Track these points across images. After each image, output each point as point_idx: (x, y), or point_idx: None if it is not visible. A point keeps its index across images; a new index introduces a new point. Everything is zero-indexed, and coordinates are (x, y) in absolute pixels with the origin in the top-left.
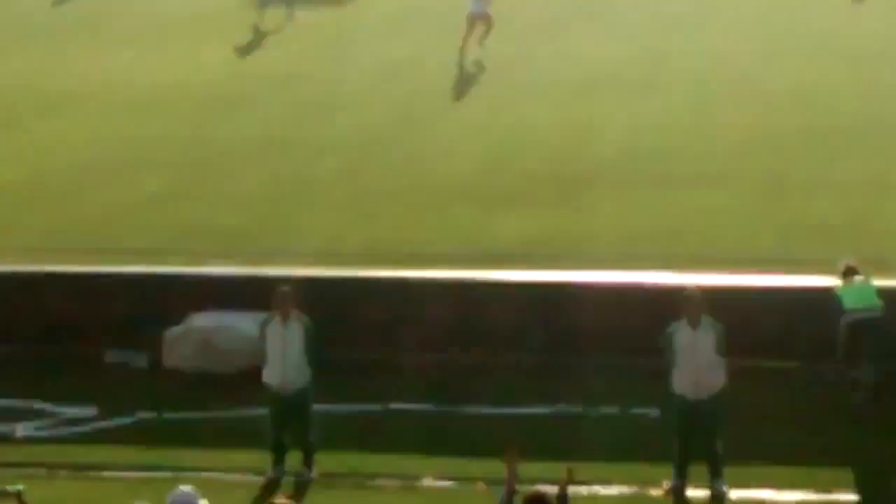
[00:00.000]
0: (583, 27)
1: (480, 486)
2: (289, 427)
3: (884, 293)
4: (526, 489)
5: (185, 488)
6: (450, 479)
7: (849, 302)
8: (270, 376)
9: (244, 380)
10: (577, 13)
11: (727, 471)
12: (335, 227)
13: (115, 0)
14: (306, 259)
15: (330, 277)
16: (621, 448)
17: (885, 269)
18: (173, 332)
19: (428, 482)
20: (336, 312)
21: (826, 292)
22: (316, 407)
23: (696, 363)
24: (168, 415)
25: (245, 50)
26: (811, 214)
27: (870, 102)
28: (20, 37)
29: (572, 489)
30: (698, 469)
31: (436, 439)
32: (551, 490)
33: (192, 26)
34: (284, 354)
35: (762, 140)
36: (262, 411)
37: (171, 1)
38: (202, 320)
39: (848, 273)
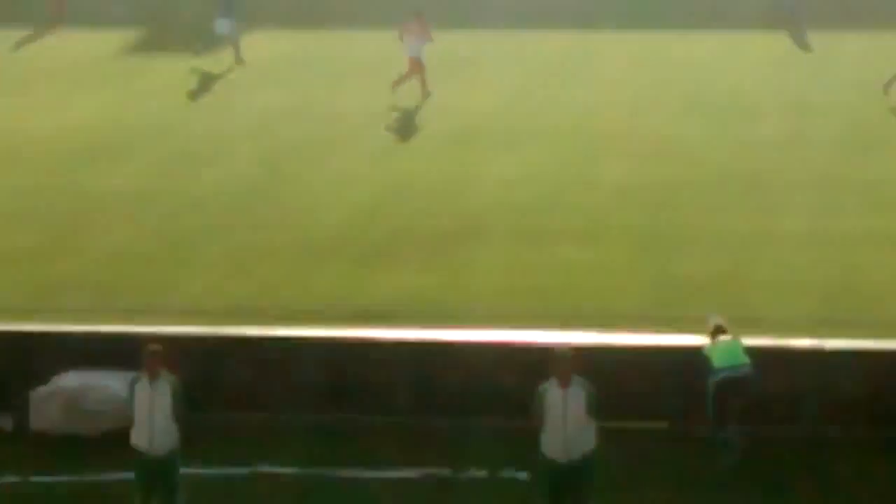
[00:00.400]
0: (453, 79)
1: None
2: (155, 490)
3: (752, 351)
4: None
5: None
6: None
7: (717, 361)
8: (138, 438)
9: (112, 442)
10: (448, 64)
11: None
12: (205, 283)
13: None
14: (176, 316)
15: (199, 335)
16: None
17: (753, 326)
18: (39, 392)
19: None
20: (205, 371)
21: (695, 351)
22: (183, 470)
23: (566, 424)
24: (34, 478)
25: (119, 100)
26: (680, 270)
27: (736, 157)
28: None
29: None
30: None
31: (303, 503)
32: None
33: (65, 75)
34: (152, 415)
35: (631, 194)
36: (129, 475)
37: (43, 50)
38: (69, 380)
39: (716, 332)
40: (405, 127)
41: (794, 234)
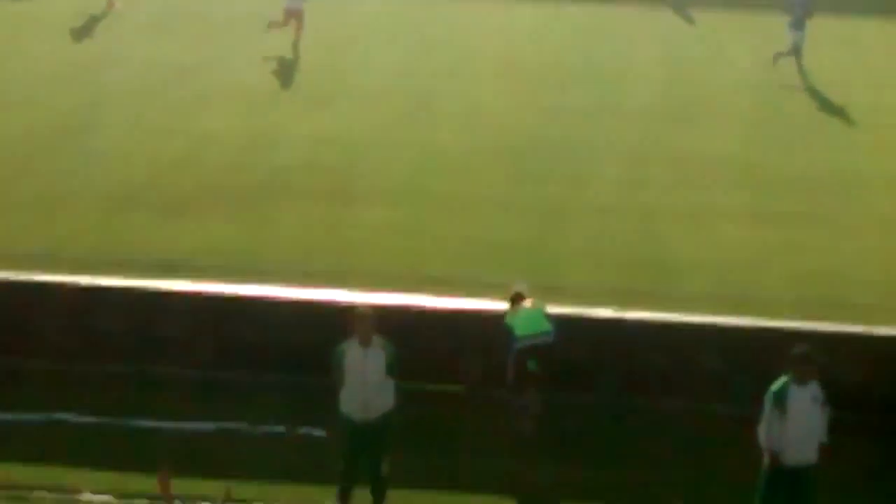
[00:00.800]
0: (269, 34)
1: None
2: None
3: (554, 319)
4: None
5: None
6: (108, 493)
7: (519, 329)
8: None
9: None
10: (258, 19)
11: (391, 494)
12: (5, 227)
13: None
14: None
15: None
16: (286, 468)
17: (557, 294)
18: None
19: (86, 496)
20: (4, 318)
21: (497, 316)
22: None
23: (365, 383)
24: None
25: None
26: (486, 236)
27: (546, 124)
28: None
29: None
30: (364, 492)
31: (97, 452)
32: None
33: None
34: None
35: (440, 157)
36: None
37: None
38: None
39: (516, 299)
40: (219, 81)
41: (600, 204)
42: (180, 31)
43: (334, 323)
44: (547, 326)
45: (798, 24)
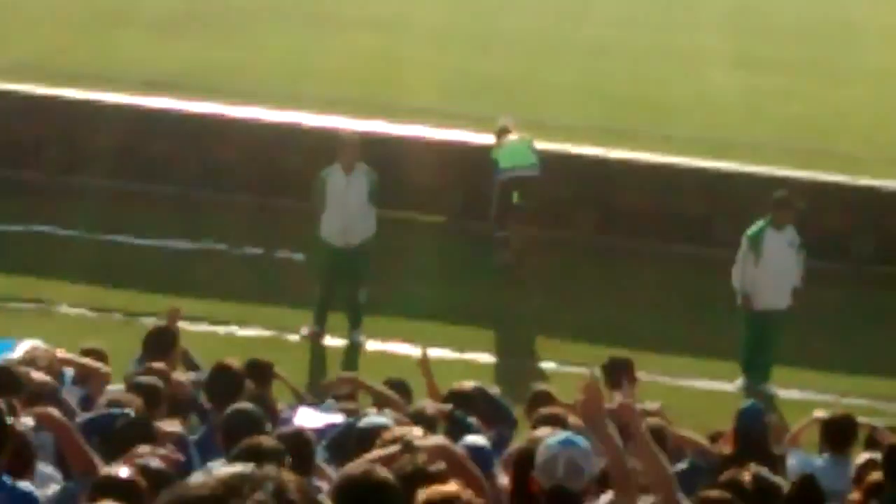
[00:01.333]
0: None
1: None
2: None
3: (540, 154)
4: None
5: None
6: (84, 307)
7: (504, 160)
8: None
9: None
10: None
11: (365, 320)
12: None
13: None
14: None
15: None
16: (263, 290)
17: (541, 130)
18: None
19: (63, 308)
20: None
21: (481, 149)
22: None
23: (347, 209)
24: None
25: None
26: (475, 68)
27: None
28: None
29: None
30: (340, 318)
31: (77, 266)
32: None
33: None
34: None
35: None
36: None
37: None
38: None
39: (502, 132)
40: None
41: (590, 41)
42: None
43: (318, 147)
44: (532, 159)
45: None
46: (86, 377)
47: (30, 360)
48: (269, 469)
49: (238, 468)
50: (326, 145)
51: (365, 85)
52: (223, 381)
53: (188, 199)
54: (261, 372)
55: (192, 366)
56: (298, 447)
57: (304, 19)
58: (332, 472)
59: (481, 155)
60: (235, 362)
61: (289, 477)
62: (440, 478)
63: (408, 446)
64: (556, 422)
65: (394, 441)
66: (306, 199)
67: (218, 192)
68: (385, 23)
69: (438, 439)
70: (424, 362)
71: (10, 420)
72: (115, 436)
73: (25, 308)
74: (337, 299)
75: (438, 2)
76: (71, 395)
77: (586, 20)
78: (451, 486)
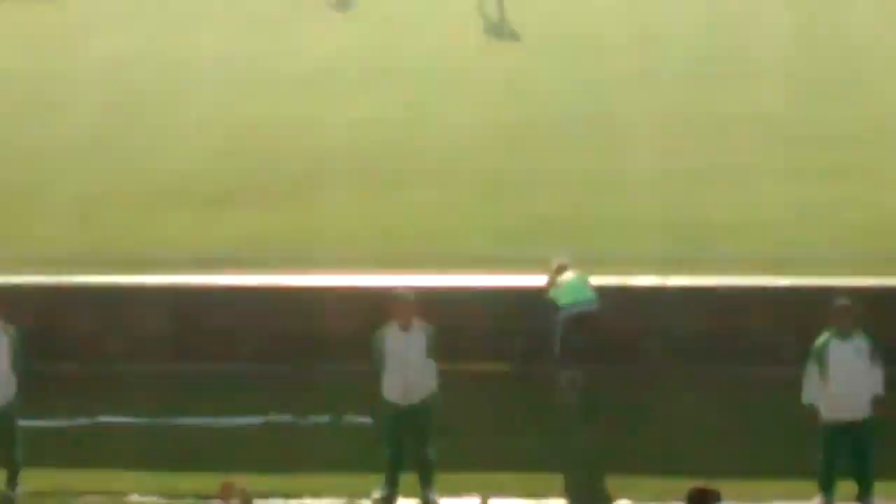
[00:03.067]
0: (304, 21)
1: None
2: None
3: (598, 289)
4: None
5: None
6: (157, 494)
7: (563, 298)
8: None
9: None
10: (295, 9)
11: (439, 478)
12: (47, 231)
13: None
14: (15, 264)
15: (37, 284)
16: (332, 458)
17: (598, 265)
18: None
19: (134, 498)
20: (45, 321)
21: (538, 291)
22: (22, 422)
23: (407, 367)
24: None
25: None
26: (526, 211)
27: (583, 97)
28: None
29: None
30: (411, 478)
31: (145, 454)
32: None
33: None
34: None
35: (477, 136)
36: None
37: None
38: None
39: (559, 271)
40: (252, 70)
41: (636, 171)
42: (210, 25)
43: (376, 308)
44: (590, 294)
45: None
46: None
47: None
48: None
49: None
50: (383, 305)
51: (419, 238)
52: None
53: (248, 374)
54: None
55: None
56: None
57: (352, 179)
58: None
59: (539, 297)
60: None
61: None
62: None
63: None
64: None
65: None
66: (365, 362)
67: (279, 363)
68: (431, 176)
69: None
70: None
71: None
72: None
73: (97, 502)
74: (406, 459)
75: (480, 149)
76: None
77: (629, 151)
78: None
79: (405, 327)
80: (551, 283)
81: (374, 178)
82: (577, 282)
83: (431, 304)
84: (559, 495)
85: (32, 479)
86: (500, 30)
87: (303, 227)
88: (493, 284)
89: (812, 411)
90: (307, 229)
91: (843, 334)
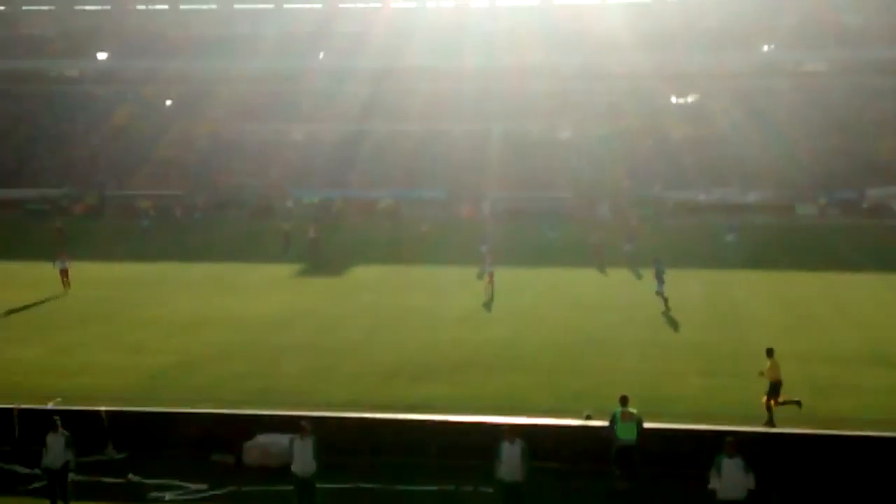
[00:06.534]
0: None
1: None
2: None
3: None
4: None
5: None
6: None
7: (620, 433)
8: (295, 467)
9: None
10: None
11: None
12: (347, 393)
13: None
14: (321, 407)
15: (331, 417)
16: None
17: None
18: (247, 444)
19: None
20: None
21: (603, 428)
22: None
23: (510, 463)
24: (245, 488)
25: (289, 298)
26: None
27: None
28: None
29: None
30: None
31: None
32: None
33: (266, 285)
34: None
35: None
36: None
37: (260, 274)
38: (261, 438)
39: (623, 402)
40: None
41: (617, 392)
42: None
43: (499, 434)
44: (634, 435)
45: None
46: None
47: None
48: None
49: None
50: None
51: (526, 404)
52: None
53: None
54: None
55: None
56: None
57: (499, 365)
58: None
59: (606, 427)
60: None
61: None
62: None
63: None
64: None
65: None
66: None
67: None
68: (533, 366)
69: None
70: None
71: None
72: None
73: None
74: None
75: (537, 336)
76: None
77: (617, 374)
78: None
79: (510, 441)
80: (618, 411)
81: (510, 364)
82: (631, 426)
83: (525, 433)
84: None
85: None
86: None
87: (466, 393)
88: (564, 423)
89: (713, 493)
90: (468, 395)
91: (730, 455)
